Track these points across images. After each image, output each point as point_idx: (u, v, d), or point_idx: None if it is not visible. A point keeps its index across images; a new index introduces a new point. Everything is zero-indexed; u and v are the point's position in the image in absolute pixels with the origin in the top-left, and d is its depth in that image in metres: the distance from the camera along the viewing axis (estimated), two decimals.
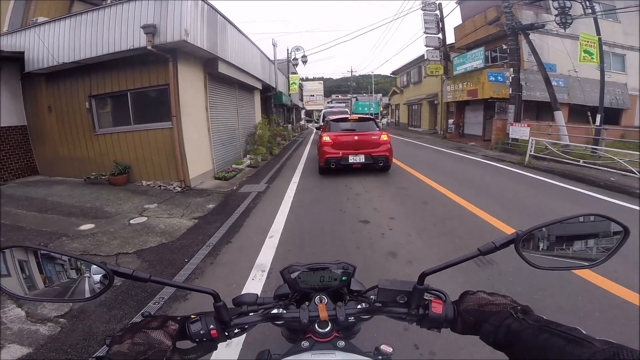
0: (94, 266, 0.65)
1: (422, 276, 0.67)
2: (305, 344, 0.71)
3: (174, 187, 6.34)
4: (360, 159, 7.09)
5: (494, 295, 0.65)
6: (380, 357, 0.73)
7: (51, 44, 6.31)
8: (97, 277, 0.65)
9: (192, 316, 0.68)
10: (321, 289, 0.75)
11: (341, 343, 0.71)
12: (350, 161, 7.08)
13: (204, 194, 6.10)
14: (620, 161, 6.90)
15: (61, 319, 2.38)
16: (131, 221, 4.54)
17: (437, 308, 0.67)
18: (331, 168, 7.18)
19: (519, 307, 0.59)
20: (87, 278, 0.66)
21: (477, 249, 0.64)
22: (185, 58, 6.43)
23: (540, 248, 0.66)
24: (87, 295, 0.66)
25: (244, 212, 5.00)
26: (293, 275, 0.73)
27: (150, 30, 5.40)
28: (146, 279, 0.64)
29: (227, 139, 8.93)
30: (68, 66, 6.41)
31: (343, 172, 7.41)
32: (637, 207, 4.76)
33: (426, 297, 0.69)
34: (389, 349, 0.76)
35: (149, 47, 5.48)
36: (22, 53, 6.64)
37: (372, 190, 6.06)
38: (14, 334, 2.21)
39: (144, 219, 4.65)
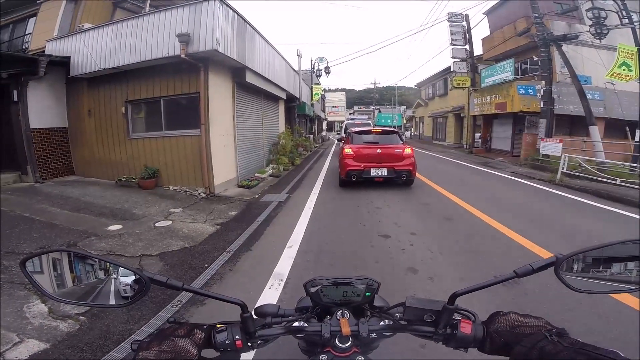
0: (122, 269, 0.67)
1: (453, 297, 0.66)
2: (324, 357, 0.70)
3: (199, 193, 6.50)
4: (383, 172, 6.95)
5: (527, 317, 0.63)
6: None
7: (94, 49, 6.76)
8: (124, 280, 0.67)
9: (219, 325, 0.69)
10: (343, 303, 0.75)
11: (360, 358, 0.70)
12: (372, 174, 6.96)
13: (227, 201, 6.22)
14: None
15: (81, 317, 2.45)
16: (157, 224, 4.69)
17: (465, 328, 0.65)
18: (352, 181, 7.10)
19: (553, 330, 0.57)
20: (113, 280, 0.68)
21: (513, 271, 0.63)
22: (216, 67, 6.67)
23: (578, 270, 0.65)
24: (113, 297, 0.68)
25: (264, 220, 5.05)
26: (316, 289, 0.73)
27: (185, 39, 5.67)
28: (179, 287, 0.66)
29: (251, 148, 9.11)
30: (108, 72, 6.83)
31: (364, 185, 7.31)
32: None
33: (454, 317, 0.68)
34: None
35: (183, 56, 5.74)
36: (69, 58, 7.14)
37: (393, 205, 5.93)
38: (35, 329, 2.29)
39: (169, 222, 4.79)
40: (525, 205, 6.11)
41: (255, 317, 0.74)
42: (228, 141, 7.47)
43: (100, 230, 4.36)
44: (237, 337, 0.67)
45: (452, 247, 3.90)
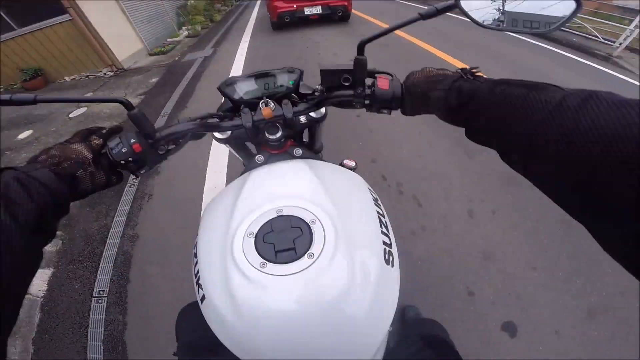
0: None
1: (361, 45, 0.58)
2: (259, 158, 0.66)
3: (105, 73, 5.74)
4: (317, 10, 6.61)
5: (442, 69, 0.56)
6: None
7: None
8: None
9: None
10: (267, 97, 0.65)
11: (298, 151, 0.67)
12: (306, 13, 6.57)
13: (142, 72, 5.58)
14: (587, 26, 6.09)
15: (57, 232, 2.18)
16: (70, 115, 4.09)
17: (383, 83, 0.60)
18: (286, 22, 6.63)
19: (468, 69, 0.51)
20: None
21: (418, 13, 0.53)
22: None
23: (480, 7, 0.53)
24: None
25: (193, 77, 4.70)
26: (233, 87, 0.63)
27: None
28: (31, 100, 0.46)
29: (151, 15, 7.67)
30: None
31: (300, 25, 6.97)
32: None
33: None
34: (352, 163, 0.77)
35: None
36: None
37: (332, 39, 5.79)
38: None
39: (84, 109, 4.17)
40: (446, 30, 6.03)
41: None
42: (115, 14, 6.13)
43: (11, 142, 3.67)
44: (132, 140, 0.53)
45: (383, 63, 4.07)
